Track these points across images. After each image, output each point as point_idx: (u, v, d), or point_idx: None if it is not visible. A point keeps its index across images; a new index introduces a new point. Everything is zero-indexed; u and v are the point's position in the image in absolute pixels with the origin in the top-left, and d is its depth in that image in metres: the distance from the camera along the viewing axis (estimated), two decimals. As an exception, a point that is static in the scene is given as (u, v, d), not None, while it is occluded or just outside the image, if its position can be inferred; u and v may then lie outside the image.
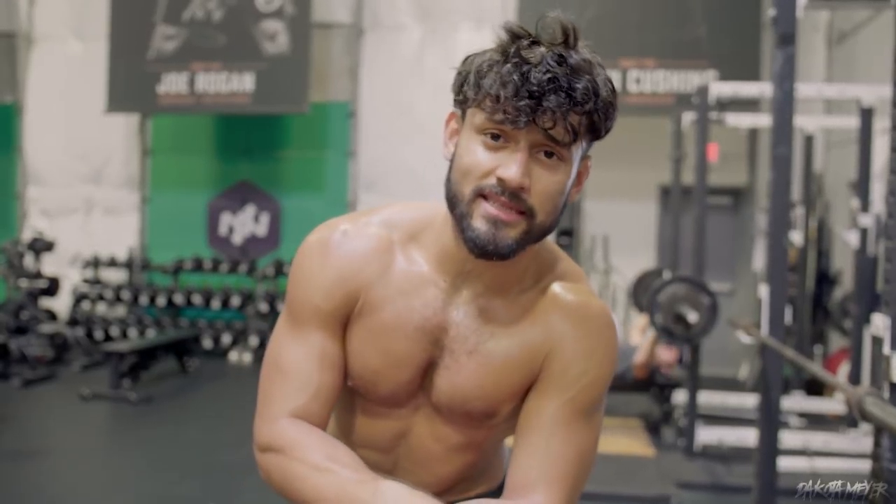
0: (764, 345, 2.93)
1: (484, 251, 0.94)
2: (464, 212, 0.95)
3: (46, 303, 7.27)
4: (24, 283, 6.66)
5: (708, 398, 4.90)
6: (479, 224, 0.94)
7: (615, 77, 6.24)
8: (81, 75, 7.81)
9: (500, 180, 0.92)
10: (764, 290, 3.01)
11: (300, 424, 1.00)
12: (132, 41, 7.26)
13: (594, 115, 0.92)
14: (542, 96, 0.89)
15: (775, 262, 2.99)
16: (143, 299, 7.43)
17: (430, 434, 1.08)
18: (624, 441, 4.70)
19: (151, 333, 7.17)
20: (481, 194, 0.94)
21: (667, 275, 5.08)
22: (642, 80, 6.35)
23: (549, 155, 0.93)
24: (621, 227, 6.78)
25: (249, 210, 7.79)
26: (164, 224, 7.95)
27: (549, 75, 0.89)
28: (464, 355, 1.03)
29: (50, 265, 7.43)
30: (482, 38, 6.98)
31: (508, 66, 0.91)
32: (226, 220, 7.84)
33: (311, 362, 1.02)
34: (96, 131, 7.84)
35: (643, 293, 5.46)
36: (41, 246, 6.87)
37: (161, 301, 7.36)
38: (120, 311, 7.74)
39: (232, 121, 7.73)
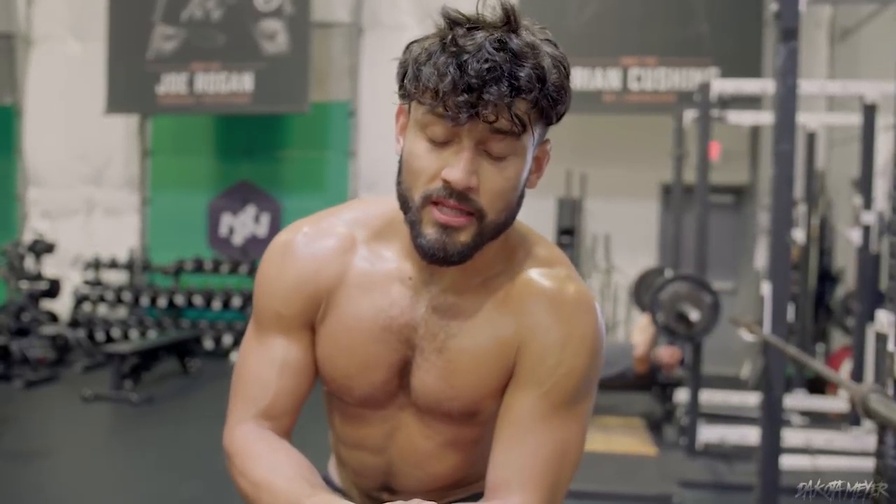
0: (766, 343, 2.92)
1: (434, 258, 0.92)
2: (414, 218, 0.92)
3: (48, 304, 7.26)
4: (24, 285, 6.64)
5: (710, 397, 4.90)
6: (428, 231, 0.91)
7: (615, 76, 6.33)
8: (81, 76, 7.80)
9: (446, 182, 0.88)
10: (766, 288, 3.00)
11: (253, 433, 0.99)
12: (131, 41, 7.24)
13: (541, 102, 0.87)
14: (483, 88, 0.84)
15: (778, 260, 2.98)
16: (145, 300, 7.42)
17: (418, 432, 1.04)
18: (625, 440, 4.69)
19: (153, 334, 7.17)
20: (431, 200, 0.90)
21: (668, 273, 5.07)
22: (644, 78, 6.34)
23: (498, 150, 0.89)
24: (623, 225, 6.77)
25: (250, 210, 7.78)
26: (165, 225, 7.94)
27: (488, 64, 0.84)
28: (433, 354, 0.99)
29: (51, 267, 7.42)
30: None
31: (445, 56, 0.86)
32: (226, 220, 7.83)
33: (271, 369, 1.01)
34: (96, 132, 7.84)
35: (645, 292, 5.45)
36: (42, 247, 6.86)
37: (162, 302, 7.35)
38: (121, 312, 7.73)
39: (232, 121, 7.72)
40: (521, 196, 0.95)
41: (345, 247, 1.01)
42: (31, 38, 8.13)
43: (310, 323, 1.02)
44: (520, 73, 0.85)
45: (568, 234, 6.28)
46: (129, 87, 7.29)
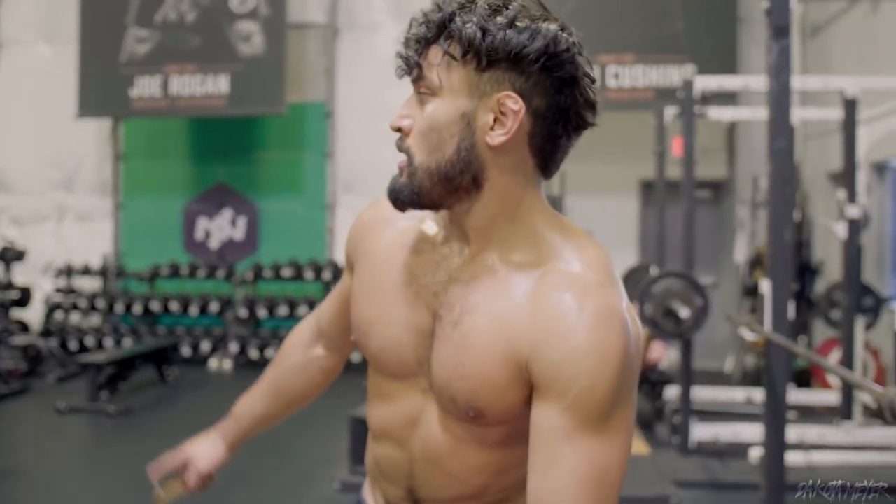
0: (769, 342, 2.81)
1: (389, 198, 0.96)
2: None
3: (18, 314, 6.97)
4: (-8, 295, 6.38)
5: (698, 393, 4.80)
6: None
7: (595, 73, 6.20)
8: (51, 79, 7.55)
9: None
10: (766, 286, 2.89)
11: (297, 332, 1.31)
12: (103, 44, 7.02)
13: (445, 43, 0.88)
14: (404, 41, 0.92)
15: (777, 258, 2.87)
16: (119, 307, 7.18)
17: (438, 422, 0.98)
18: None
19: (128, 343, 6.93)
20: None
21: (654, 270, 4.97)
22: (621, 75, 6.25)
23: (422, 94, 0.92)
24: (603, 222, 6.65)
25: (226, 214, 7.56)
26: (139, 230, 7.69)
27: (417, 18, 0.92)
28: (449, 325, 0.94)
29: (21, 275, 7.14)
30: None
31: None
32: (202, 224, 7.60)
33: (331, 295, 1.25)
34: (67, 136, 7.59)
35: (631, 288, 5.34)
36: (12, 255, 6.61)
37: (137, 309, 7.12)
38: (95, 320, 7.48)
39: (207, 123, 7.50)
40: (468, 148, 0.90)
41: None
42: (0, 41, 7.84)
43: (354, 266, 1.11)
44: (422, 21, 0.90)
45: (549, 232, 6.15)
46: (101, 90, 7.07)
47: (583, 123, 0.92)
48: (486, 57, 0.87)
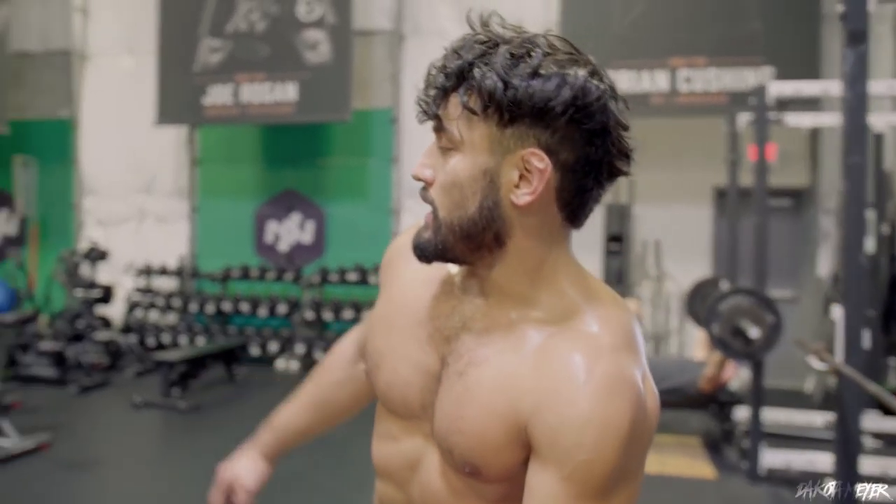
0: (840, 375, 2.54)
1: (414, 251, 0.92)
2: None
3: (102, 310, 7.19)
4: (79, 293, 6.59)
5: (773, 415, 4.48)
6: None
7: (663, 77, 5.91)
8: (133, 89, 7.74)
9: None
10: (838, 313, 2.61)
11: (339, 348, 1.27)
12: (180, 55, 7.16)
13: (464, 95, 0.83)
14: (424, 88, 0.87)
15: (851, 281, 2.59)
16: (193, 307, 7.30)
17: (438, 470, 0.93)
18: (682, 461, 4.32)
19: (201, 341, 7.06)
20: None
21: (724, 284, 4.67)
22: (693, 79, 5.91)
23: (443, 146, 0.86)
24: (674, 231, 6.35)
25: (295, 218, 7.59)
26: (213, 232, 7.81)
27: (437, 64, 0.86)
28: (454, 375, 0.90)
29: (105, 274, 7.38)
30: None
31: None
32: (272, 228, 7.65)
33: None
34: (147, 143, 7.77)
35: (699, 303, 5.04)
36: (96, 255, 6.83)
37: (210, 309, 7.22)
38: (171, 318, 7.63)
39: (276, 130, 7.55)
40: (491, 206, 0.85)
41: None
42: (87, 53, 8.10)
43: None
44: (441, 70, 0.85)
45: (616, 241, 5.91)
46: (177, 98, 7.20)
47: (616, 173, 0.86)
48: (508, 112, 0.81)
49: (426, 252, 0.90)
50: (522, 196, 0.83)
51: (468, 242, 0.87)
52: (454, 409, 0.88)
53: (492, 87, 0.80)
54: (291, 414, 1.28)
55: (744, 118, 4.75)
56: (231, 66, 6.97)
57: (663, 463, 4.25)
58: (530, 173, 0.83)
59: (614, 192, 6.09)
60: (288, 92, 6.81)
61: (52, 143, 8.20)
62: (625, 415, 0.78)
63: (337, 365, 1.27)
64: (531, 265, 0.87)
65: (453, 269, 0.97)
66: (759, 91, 4.27)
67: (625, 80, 5.90)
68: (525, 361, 0.84)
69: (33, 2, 8.08)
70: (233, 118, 7.06)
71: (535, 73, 0.80)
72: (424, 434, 0.95)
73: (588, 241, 6.35)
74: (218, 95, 7.01)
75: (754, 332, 3.81)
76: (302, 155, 7.53)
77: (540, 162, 0.82)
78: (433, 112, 0.86)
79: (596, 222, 6.12)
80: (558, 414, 0.79)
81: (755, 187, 4.20)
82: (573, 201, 0.85)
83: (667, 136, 6.36)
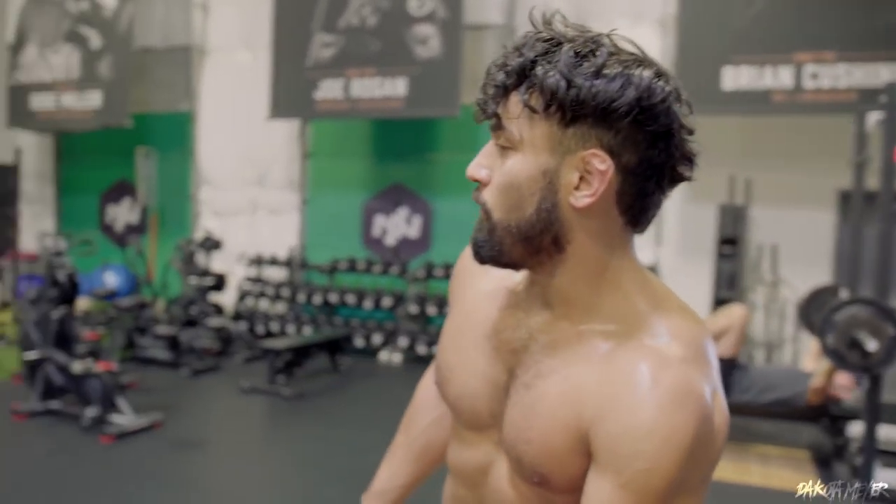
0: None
1: (472, 251, 0.93)
2: None
3: (215, 298, 7.68)
4: (193, 280, 7.06)
5: (889, 433, 4.35)
6: None
7: (787, 73, 5.77)
8: (248, 83, 8.18)
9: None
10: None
11: (426, 382, 1.27)
12: (293, 50, 7.50)
13: (520, 92, 0.84)
14: (483, 86, 0.88)
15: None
16: (301, 297, 7.67)
17: (507, 477, 0.96)
18: (788, 474, 4.27)
19: (308, 330, 7.41)
20: None
21: (843, 293, 4.56)
22: (820, 75, 5.75)
23: (502, 145, 0.87)
24: (792, 236, 6.19)
25: (402, 212, 7.86)
26: (322, 225, 8.19)
27: (496, 62, 0.87)
28: (522, 387, 0.92)
29: (219, 262, 7.88)
30: (640, 34, 6.61)
31: None
32: (379, 221, 7.95)
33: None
34: (261, 136, 8.20)
35: (815, 312, 4.94)
36: (210, 244, 7.31)
37: (317, 299, 7.57)
38: (280, 307, 8.05)
39: (386, 125, 7.83)
40: (549, 208, 0.86)
41: None
42: (206, 48, 8.64)
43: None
44: (502, 67, 0.85)
45: (730, 244, 5.83)
46: (290, 93, 7.56)
47: (678, 178, 0.86)
48: (571, 111, 0.81)
49: (482, 252, 0.90)
50: (582, 198, 0.84)
51: (526, 245, 0.87)
52: (522, 421, 0.90)
53: (554, 85, 0.81)
54: (392, 473, 1.27)
55: (873, 117, 4.61)
56: (342, 60, 7.26)
57: (768, 475, 4.23)
58: (591, 175, 0.83)
59: (729, 193, 6.01)
60: (398, 87, 7.04)
61: (172, 135, 8.79)
62: (688, 428, 0.78)
63: (425, 407, 1.27)
64: (593, 270, 0.88)
65: (516, 279, 0.98)
66: (892, 88, 4.15)
67: (745, 77, 5.81)
68: (590, 371, 0.85)
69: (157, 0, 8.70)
70: (343, 112, 7.36)
71: (599, 73, 0.80)
72: (494, 442, 0.97)
73: (699, 243, 6.30)
74: (329, 90, 7.32)
75: (872, 345, 3.73)
76: (410, 149, 7.78)
77: (602, 163, 0.82)
78: (492, 110, 0.86)
79: (708, 224, 6.06)
80: (619, 422, 0.80)
81: (881, 191, 4.09)
82: (634, 205, 0.86)
83: (789, 136, 6.21)
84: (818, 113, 5.84)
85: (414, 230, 7.80)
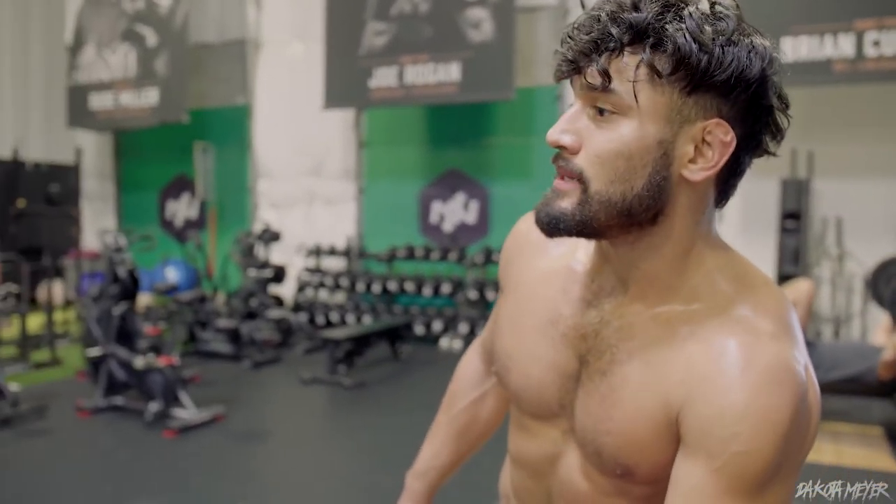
0: None
1: (539, 221, 0.86)
2: None
3: (275, 289, 7.98)
4: (252, 272, 7.33)
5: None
6: (546, 195, 0.87)
7: (847, 42, 5.81)
8: (302, 75, 8.48)
9: (547, 142, 0.84)
10: None
11: (467, 358, 1.30)
12: (346, 39, 7.74)
13: (643, 52, 0.78)
14: (575, 39, 0.81)
15: None
16: (360, 286, 7.90)
17: (579, 468, 0.94)
18: (860, 451, 4.33)
19: (367, 319, 7.62)
20: (556, 169, 0.87)
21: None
22: (883, 42, 5.80)
23: (601, 111, 0.81)
24: (858, 208, 6.25)
25: (459, 198, 8.07)
26: (379, 213, 8.44)
27: (590, 14, 0.81)
28: (597, 374, 0.89)
29: (278, 254, 8.17)
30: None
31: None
32: (436, 208, 8.18)
33: (494, 311, 1.15)
34: (316, 127, 8.48)
35: (884, 285, 5.03)
36: (269, 236, 7.53)
37: (376, 288, 7.79)
38: (339, 297, 8.31)
39: (440, 110, 8.03)
40: (660, 180, 0.82)
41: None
42: (260, 42, 8.99)
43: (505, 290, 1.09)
44: (619, 17, 0.78)
45: (793, 218, 5.93)
46: (344, 82, 7.81)
47: (763, 153, 0.86)
48: (700, 78, 0.78)
49: (562, 224, 0.84)
50: (698, 171, 0.81)
51: (624, 220, 0.83)
52: (601, 411, 0.87)
53: (686, 48, 0.76)
54: (434, 453, 1.28)
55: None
56: (395, 48, 7.49)
57: (839, 453, 4.26)
58: (710, 146, 0.80)
59: (791, 167, 6.11)
60: (451, 72, 7.22)
61: (229, 129, 9.16)
62: (786, 407, 0.75)
63: (467, 385, 1.27)
64: (681, 248, 0.85)
65: (581, 258, 0.95)
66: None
67: (804, 47, 5.89)
68: (674, 354, 0.82)
69: (211, -5, 9.07)
70: (397, 100, 7.58)
71: (730, 39, 0.77)
72: (563, 431, 0.95)
73: (762, 219, 6.38)
74: (383, 78, 7.56)
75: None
76: (466, 135, 7.99)
77: (726, 135, 0.80)
78: (603, 67, 0.79)
79: (770, 199, 6.16)
80: (712, 404, 0.77)
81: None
82: (729, 179, 0.85)
83: (851, 106, 6.26)
84: (881, 81, 5.88)
85: (471, 216, 8.01)
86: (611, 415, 0.86)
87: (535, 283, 0.99)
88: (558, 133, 0.83)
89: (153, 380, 4.72)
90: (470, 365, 1.28)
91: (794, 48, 5.89)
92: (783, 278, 5.70)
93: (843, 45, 5.84)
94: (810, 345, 4.78)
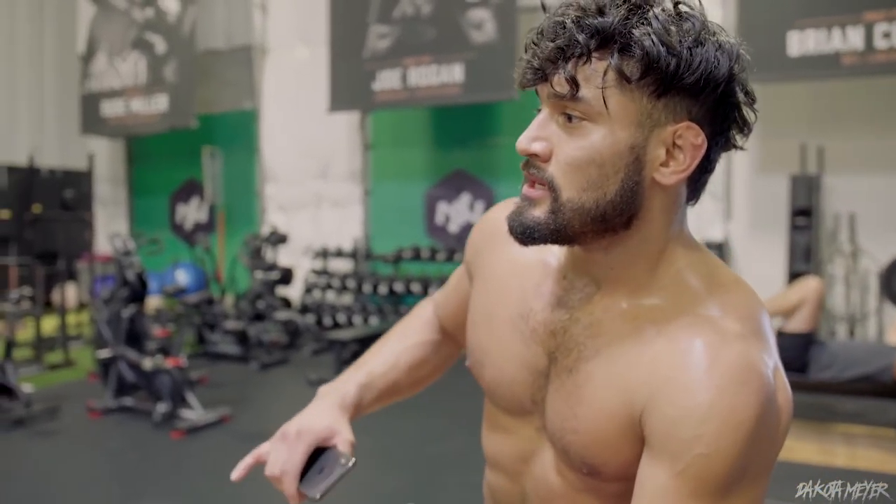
0: None
1: (513, 231, 0.84)
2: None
3: (283, 291, 7.88)
4: (259, 274, 7.26)
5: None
6: (518, 203, 0.85)
7: (856, 34, 5.60)
8: (307, 79, 8.38)
9: (517, 150, 0.82)
10: None
11: (418, 310, 1.25)
12: (350, 43, 7.63)
13: (611, 56, 0.75)
14: (540, 44, 0.79)
15: None
16: (367, 287, 7.81)
17: (552, 465, 0.91)
18: (876, 454, 4.14)
19: (374, 320, 7.54)
20: (525, 176, 0.84)
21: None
22: (892, 34, 5.56)
23: (570, 118, 0.78)
24: (871, 203, 6.01)
25: (465, 198, 7.94)
26: (385, 215, 8.34)
27: (555, 19, 0.78)
28: (564, 371, 0.87)
29: (286, 256, 8.08)
30: (710, 13, 6.52)
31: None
32: (442, 209, 8.06)
33: (454, 279, 1.18)
34: (322, 130, 8.38)
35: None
36: (276, 239, 7.46)
37: (383, 289, 7.70)
38: (346, 298, 8.22)
39: (445, 112, 7.92)
40: (633, 186, 0.79)
41: None
42: (267, 47, 8.90)
43: (472, 275, 1.07)
44: (571, 24, 0.76)
45: (803, 215, 5.71)
46: (348, 85, 7.70)
47: (731, 148, 0.85)
48: (669, 81, 0.76)
49: (535, 234, 0.82)
50: (671, 175, 0.79)
51: (598, 226, 0.81)
52: (566, 409, 0.86)
53: (655, 52, 0.74)
54: (382, 371, 1.16)
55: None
56: (398, 50, 7.37)
57: (853, 456, 4.10)
58: (680, 150, 0.79)
59: (801, 163, 5.89)
60: (454, 73, 7.10)
61: (237, 133, 9.10)
62: (751, 408, 0.72)
63: (423, 326, 1.23)
64: (655, 249, 0.84)
65: (556, 251, 0.93)
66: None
67: (812, 41, 5.67)
68: (640, 352, 0.80)
69: (217, 2, 8.95)
70: (401, 102, 7.47)
71: (696, 40, 0.75)
72: (536, 428, 0.93)
73: (771, 216, 6.18)
74: (386, 80, 7.43)
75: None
76: (470, 135, 7.86)
77: (697, 137, 0.78)
78: (570, 75, 0.76)
79: (780, 195, 5.94)
80: (675, 404, 0.75)
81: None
82: (700, 178, 0.84)
83: (861, 99, 6.04)
84: (892, 74, 5.66)
85: (477, 216, 7.84)
86: (575, 413, 0.84)
87: (507, 276, 0.96)
88: (529, 141, 0.81)
89: (161, 381, 4.72)
90: (426, 313, 1.24)
91: (801, 43, 5.68)
92: (794, 276, 5.49)
93: (851, 38, 5.62)
94: (821, 343, 4.59)
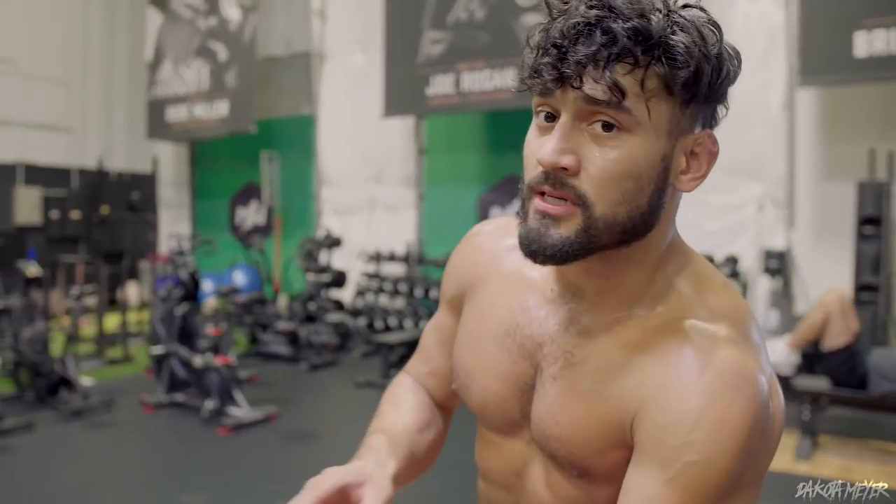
0: None
1: (529, 250, 0.75)
2: (522, 210, 0.78)
3: (336, 294, 7.75)
4: (311, 276, 7.15)
5: None
6: (531, 221, 0.75)
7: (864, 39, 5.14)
8: (364, 84, 8.26)
9: (539, 164, 0.73)
10: None
11: (402, 381, 1.07)
12: (404, 48, 7.50)
13: (654, 65, 0.69)
14: (566, 46, 0.69)
15: None
16: (419, 292, 7.63)
17: (543, 477, 0.87)
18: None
19: (425, 324, 7.29)
20: (534, 190, 0.75)
21: None
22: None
23: (607, 127, 0.71)
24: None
25: (517, 204, 7.65)
26: (438, 219, 8.14)
27: (575, 19, 0.69)
28: (549, 380, 0.83)
29: (340, 259, 7.94)
30: (759, 9, 6.15)
31: (543, 24, 0.73)
32: (495, 213, 7.79)
33: (432, 335, 1.06)
34: (377, 135, 8.24)
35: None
36: (330, 242, 7.39)
37: (434, 294, 7.50)
38: (398, 302, 8.04)
39: (498, 116, 7.68)
40: (660, 195, 0.75)
41: (509, 247, 0.91)
42: (325, 53, 8.79)
43: (459, 307, 0.98)
44: (615, 27, 0.68)
45: (872, 224, 5.26)
46: (403, 90, 7.55)
47: None
48: (700, 90, 0.72)
49: (566, 254, 0.74)
50: (690, 182, 0.76)
51: (622, 237, 0.75)
52: (548, 416, 0.82)
53: (697, 60, 0.70)
54: (398, 455, 0.98)
55: None
56: (452, 55, 7.18)
57: (891, 475, 3.78)
58: (697, 157, 0.76)
59: (870, 169, 5.44)
60: (507, 78, 6.87)
61: (295, 138, 9.02)
62: (744, 415, 0.69)
63: (404, 401, 1.05)
64: (655, 255, 0.79)
65: (538, 269, 0.85)
66: None
67: (880, 41, 5.23)
68: (628, 358, 0.76)
69: (277, 10, 8.91)
70: (455, 107, 7.28)
71: (721, 47, 0.73)
72: (526, 441, 0.89)
73: (837, 225, 5.75)
74: (440, 85, 7.25)
75: None
76: (523, 140, 7.54)
77: (714, 145, 0.76)
78: (611, 80, 0.69)
79: (847, 203, 5.50)
80: (666, 410, 0.71)
81: None
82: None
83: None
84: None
85: (529, 221, 7.60)
86: (557, 419, 0.81)
87: (495, 293, 0.92)
88: (557, 154, 0.72)
89: (210, 378, 4.73)
90: (405, 381, 1.09)
91: (868, 43, 5.25)
92: (861, 289, 5.07)
93: (924, 38, 5.16)
94: (880, 350, 4.27)
